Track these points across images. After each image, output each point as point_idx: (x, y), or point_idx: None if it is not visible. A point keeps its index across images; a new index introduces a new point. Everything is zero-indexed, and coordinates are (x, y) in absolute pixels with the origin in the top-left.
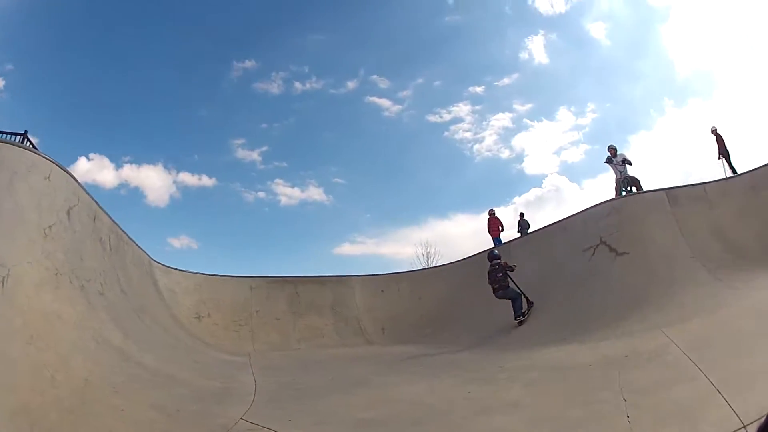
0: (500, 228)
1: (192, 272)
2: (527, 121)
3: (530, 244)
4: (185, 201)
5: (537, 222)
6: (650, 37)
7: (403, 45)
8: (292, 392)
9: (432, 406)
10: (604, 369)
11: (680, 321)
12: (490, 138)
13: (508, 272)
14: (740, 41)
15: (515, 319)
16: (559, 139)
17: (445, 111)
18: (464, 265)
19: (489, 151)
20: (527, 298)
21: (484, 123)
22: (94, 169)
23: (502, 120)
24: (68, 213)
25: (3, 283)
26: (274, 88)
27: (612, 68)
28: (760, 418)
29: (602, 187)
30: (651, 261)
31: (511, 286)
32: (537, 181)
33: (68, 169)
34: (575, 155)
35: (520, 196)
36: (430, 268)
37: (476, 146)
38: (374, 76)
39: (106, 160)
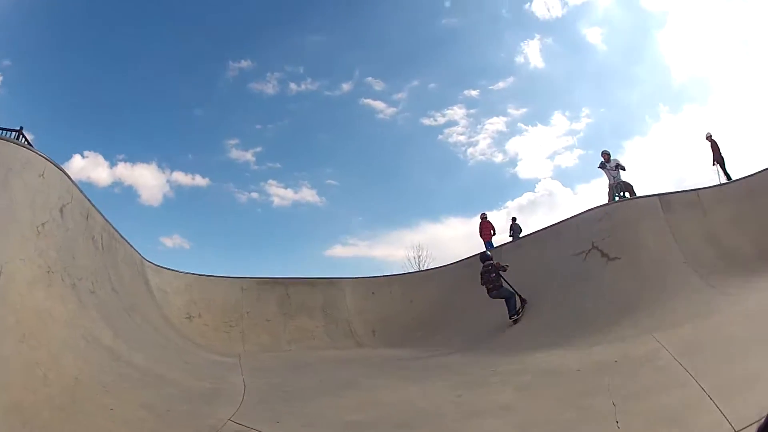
0: (492, 232)
1: (183, 272)
2: (521, 125)
3: (522, 248)
4: (178, 200)
5: (529, 226)
6: (646, 42)
7: (399, 47)
8: (281, 394)
9: (422, 410)
10: (594, 374)
11: (672, 326)
12: (484, 142)
13: (500, 272)
14: (737, 48)
15: (510, 318)
16: (553, 143)
17: (439, 114)
18: (456, 269)
19: (483, 154)
20: (520, 297)
21: (479, 126)
22: (88, 167)
23: (496, 124)
24: (61, 211)
25: None
26: (269, 88)
27: (608, 73)
28: (752, 424)
29: (596, 192)
30: (643, 266)
31: (504, 286)
32: (530, 185)
33: (62, 166)
34: (569, 160)
35: (513, 200)
36: (422, 271)
37: (470, 150)
38: (369, 78)
39: (100, 158)
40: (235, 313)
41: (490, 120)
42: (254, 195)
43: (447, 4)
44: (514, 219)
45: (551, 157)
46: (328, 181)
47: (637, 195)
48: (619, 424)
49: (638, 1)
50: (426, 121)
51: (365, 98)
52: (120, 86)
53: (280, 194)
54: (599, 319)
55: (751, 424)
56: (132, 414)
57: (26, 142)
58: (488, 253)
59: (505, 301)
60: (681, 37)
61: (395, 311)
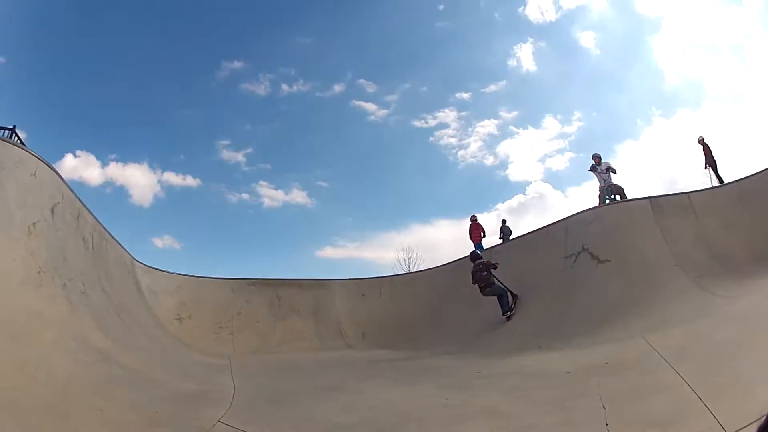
0: (482, 234)
1: (174, 273)
2: (513, 128)
3: (512, 250)
4: (169, 201)
5: (520, 229)
6: (640, 47)
7: (391, 49)
8: (270, 395)
9: (408, 413)
10: (583, 376)
11: (663, 329)
12: (475, 144)
13: (491, 270)
14: (731, 53)
15: (503, 315)
16: (544, 146)
17: (430, 116)
18: (445, 271)
19: (473, 157)
20: (511, 292)
21: (470, 129)
22: (80, 166)
23: (487, 126)
24: (52, 210)
25: None
26: (261, 89)
27: (600, 77)
28: (748, 425)
29: (587, 195)
30: (634, 269)
31: (496, 284)
32: (521, 188)
33: (54, 165)
34: (560, 163)
35: (503, 202)
36: (412, 273)
37: (461, 152)
38: (361, 80)
39: (92, 158)
40: (225, 315)
41: (482, 123)
42: (245, 196)
43: (441, 7)
44: (504, 221)
45: (542, 160)
46: (319, 183)
47: (628, 198)
48: (608, 428)
49: (633, 5)
50: (417, 124)
51: (357, 100)
52: (113, 85)
53: (270, 195)
54: (589, 322)
55: (742, 428)
56: (121, 415)
57: (19, 141)
58: (478, 252)
59: (498, 298)
60: (675, 42)
61: (385, 313)
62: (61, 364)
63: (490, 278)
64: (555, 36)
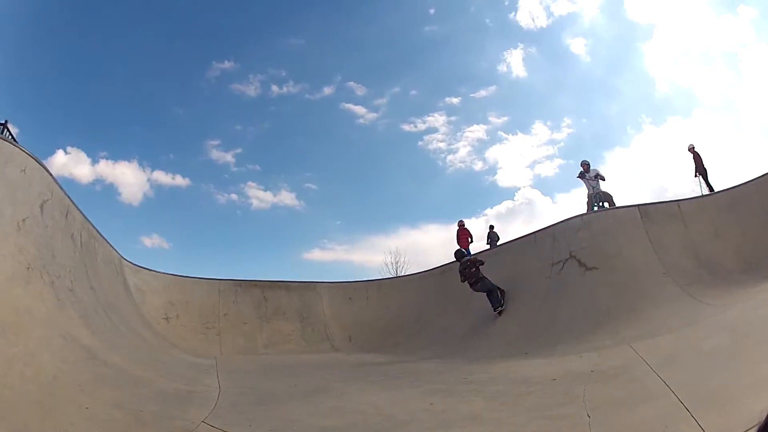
0: (469, 239)
1: (161, 272)
2: (502, 133)
3: (499, 256)
4: (158, 200)
5: (508, 235)
6: (631, 54)
7: (381, 53)
8: (255, 397)
9: (393, 417)
10: (569, 383)
11: (650, 337)
12: (464, 149)
13: (479, 266)
14: (723, 61)
15: (494, 311)
16: (533, 152)
17: (420, 120)
18: (433, 275)
19: (462, 162)
20: (499, 288)
21: (459, 134)
22: (70, 163)
23: (476, 132)
24: (41, 207)
25: None
26: (251, 90)
27: (591, 84)
28: None
29: (575, 202)
30: (621, 276)
31: (485, 279)
32: (509, 193)
33: (45, 161)
34: (549, 169)
35: (492, 208)
36: (399, 277)
37: (450, 157)
38: (351, 83)
39: (82, 155)
40: (212, 315)
41: (471, 128)
42: (234, 197)
43: (431, 11)
44: (491, 227)
45: (531, 166)
46: (307, 185)
47: (617, 205)
48: None
49: (625, 12)
50: (406, 128)
51: (346, 103)
52: (105, 82)
53: (259, 196)
54: (575, 329)
55: None
56: (106, 413)
57: (10, 136)
58: (462, 250)
59: (487, 294)
60: (667, 50)
61: (371, 317)
62: (49, 362)
63: (479, 273)
64: (546, 42)
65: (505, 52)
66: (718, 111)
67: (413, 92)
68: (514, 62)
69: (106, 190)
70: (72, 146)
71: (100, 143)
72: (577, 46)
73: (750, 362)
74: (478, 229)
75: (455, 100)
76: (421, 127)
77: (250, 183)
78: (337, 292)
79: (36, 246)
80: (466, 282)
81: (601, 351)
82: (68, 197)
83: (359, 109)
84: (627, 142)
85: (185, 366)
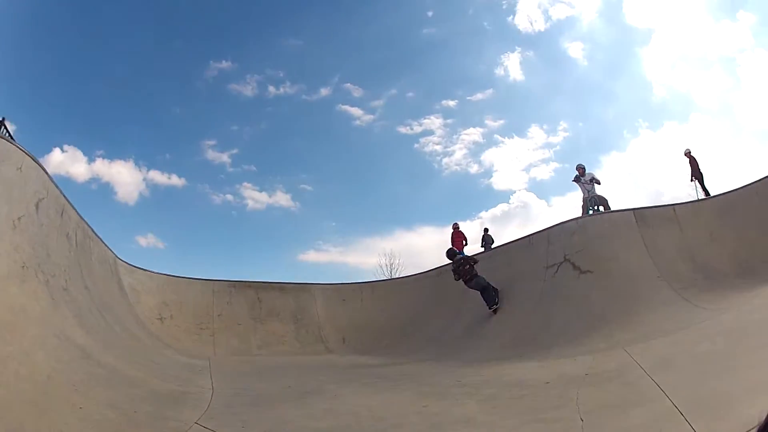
0: (464, 242)
1: (156, 273)
2: (498, 136)
3: (494, 259)
4: (154, 199)
5: (503, 238)
6: (629, 59)
7: (379, 54)
8: (248, 398)
9: (386, 419)
10: (562, 387)
11: (644, 340)
12: (459, 152)
13: (472, 264)
14: (721, 66)
15: (489, 308)
16: (529, 156)
17: (416, 123)
18: (427, 278)
19: (458, 165)
20: (493, 287)
21: (455, 137)
22: (67, 161)
23: (472, 134)
24: (37, 206)
25: None
26: (248, 90)
27: (588, 88)
28: None
29: (571, 205)
30: (616, 280)
31: (480, 276)
32: (505, 196)
33: (42, 159)
34: (545, 173)
35: (487, 210)
36: (394, 279)
37: (445, 159)
38: (348, 84)
39: (79, 153)
40: (206, 316)
41: (467, 130)
42: (229, 197)
43: (429, 14)
44: (486, 230)
45: (527, 169)
46: (303, 186)
47: (612, 209)
48: None
49: (623, 17)
50: (402, 130)
51: (343, 104)
52: (103, 81)
53: (254, 197)
54: (569, 332)
55: None
56: (99, 413)
57: (7, 133)
58: (454, 249)
59: (481, 293)
60: (665, 55)
61: (366, 318)
62: (43, 361)
63: (473, 270)
64: (543, 46)
65: (502, 56)
66: (716, 116)
67: (410, 94)
68: (512, 65)
69: (102, 189)
70: (69, 144)
71: (96, 142)
72: (574, 50)
73: (745, 367)
74: (472, 231)
75: (452, 103)
76: (418, 129)
77: (245, 184)
78: (332, 294)
79: (31, 245)
80: (461, 280)
81: (596, 354)
82: (64, 196)
83: (356, 111)
84: (623, 147)
85: (179, 366)
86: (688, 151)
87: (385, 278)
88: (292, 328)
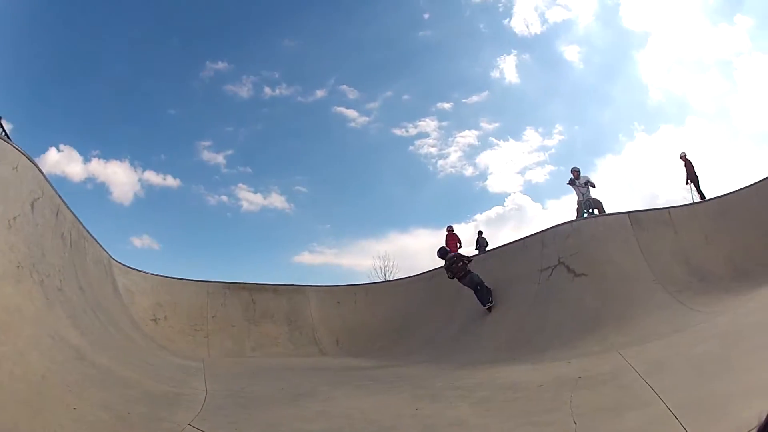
0: (458, 245)
1: (150, 273)
2: (493, 139)
3: (488, 261)
4: (149, 200)
5: (497, 240)
6: (625, 62)
7: (374, 56)
8: (241, 400)
9: (379, 421)
10: (556, 390)
11: (639, 343)
12: (455, 154)
13: (465, 262)
14: (718, 69)
15: (484, 306)
16: (524, 158)
17: (411, 125)
18: (421, 280)
19: (453, 167)
20: (486, 286)
21: (450, 139)
22: (62, 161)
23: (468, 137)
24: (32, 205)
25: None
26: (244, 91)
27: (583, 91)
28: None
29: (566, 208)
30: (610, 283)
31: (473, 272)
32: (499, 199)
33: (38, 159)
34: (540, 175)
35: (481, 213)
36: (388, 281)
37: (440, 162)
38: (344, 86)
39: (75, 153)
40: (200, 317)
41: (462, 133)
42: (224, 198)
43: (425, 16)
44: (480, 233)
45: (522, 172)
46: (298, 188)
47: (607, 212)
48: None
49: (620, 20)
50: (398, 132)
51: (338, 106)
52: (100, 81)
53: (249, 199)
54: (564, 335)
55: None
56: (93, 414)
57: (4, 132)
58: (446, 247)
59: (475, 291)
60: (661, 58)
61: (360, 321)
62: (38, 361)
63: (466, 268)
64: (539, 49)
65: (498, 58)
66: (712, 119)
67: (405, 97)
68: (507, 68)
69: (98, 189)
70: (65, 144)
71: (92, 142)
72: (570, 53)
73: (739, 370)
74: (467, 234)
75: (447, 106)
76: (413, 131)
77: (240, 185)
78: (326, 296)
79: (26, 244)
80: (455, 278)
81: (590, 357)
82: (59, 196)
83: (351, 113)
84: (619, 150)
85: (173, 368)
86: (683, 155)
87: (379, 280)
88: (286, 330)
